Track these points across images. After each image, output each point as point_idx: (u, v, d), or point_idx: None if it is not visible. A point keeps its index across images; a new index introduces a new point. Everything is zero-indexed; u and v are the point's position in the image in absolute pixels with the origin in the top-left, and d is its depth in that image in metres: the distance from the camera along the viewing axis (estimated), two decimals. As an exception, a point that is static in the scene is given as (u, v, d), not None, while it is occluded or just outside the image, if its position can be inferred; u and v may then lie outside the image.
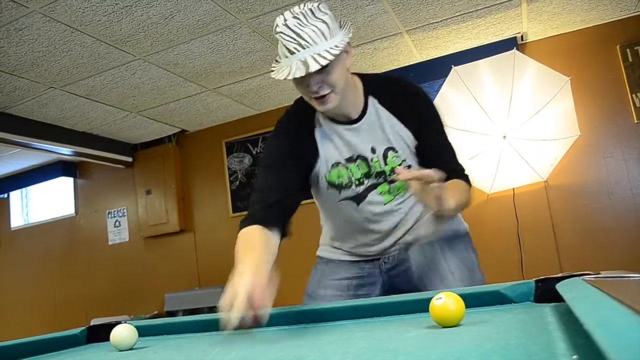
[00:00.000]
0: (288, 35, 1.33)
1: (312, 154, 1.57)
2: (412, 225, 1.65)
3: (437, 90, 3.60)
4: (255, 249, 1.28)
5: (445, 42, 3.65)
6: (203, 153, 4.90)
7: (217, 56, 3.42)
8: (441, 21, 3.33)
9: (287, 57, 1.36)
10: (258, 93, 4.17)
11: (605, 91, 3.54)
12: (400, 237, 1.65)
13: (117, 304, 4.99)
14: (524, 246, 3.62)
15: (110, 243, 5.25)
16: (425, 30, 3.43)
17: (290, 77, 1.33)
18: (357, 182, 1.58)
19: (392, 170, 1.54)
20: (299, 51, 1.33)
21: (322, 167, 1.59)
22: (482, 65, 3.42)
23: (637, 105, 3.46)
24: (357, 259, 1.71)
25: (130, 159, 5.07)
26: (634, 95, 3.46)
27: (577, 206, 3.57)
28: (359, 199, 1.60)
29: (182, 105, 4.25)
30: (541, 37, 3.74)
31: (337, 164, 1.58)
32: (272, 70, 1.43)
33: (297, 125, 1.59)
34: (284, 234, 1.47)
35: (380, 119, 1.53)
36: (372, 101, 1.54)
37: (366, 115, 1.53)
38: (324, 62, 1.31)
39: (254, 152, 4.64)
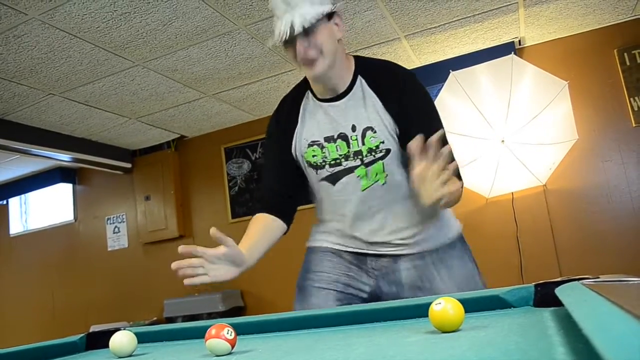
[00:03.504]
0: (278, 1, 1.45)
1: (292, 132, 1.65)
2: (400, 226, 1.60)
3: (436, 95, 3.61)
4: (249, 233, 1.55)
5: (444, 47, 3.66)
6: (202, 159, 4.90)
7: (216, 62, 3.43)
8: (439, 26, 3.34)
9: (277, 21, 1.47)
10: (257, 99, 4.17)
11: (603, 95, 3.56)
12: (386, 235, 1.60)
13: (116, 311, 4.98)
14: (523, 250, 3.62)
15: (109, 249, 5.25)
16: (423, 35, 3.45)
17: (277, 40, 1.46)
18: (332, 163, 1.59)
19: (369, 151, 1.54)
20: (287, 13, 1.44)
21: (300, 145, 1.63)
22: (480, 69, 3.43)
23: (635, 109, 3.46)
24: (343, 247, 1.66)
25: (129, 165, 5.08)
26: (632, 99, 3.47)
27: (576, 210, 3.57)
28: (333, 179, 1.61)
29: (181, 111, 4.26)
30: (539, 42, 3.75)
31: (314, 142, 1.60)
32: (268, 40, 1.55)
33: (286, 107, 1.68)
34: (289, 220, 1.66)
35: (365, 98, 1.55)
36: (361, 80, 1.57)
37: (352, 92, 1.56)
38: (309, 18, 1.41)
39: (253, 158, 4.64)
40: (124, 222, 5.21)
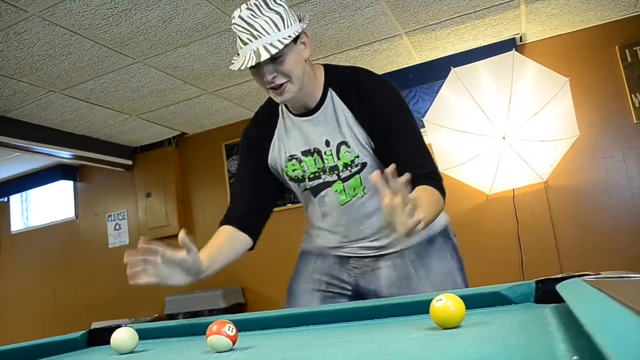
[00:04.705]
0: (241, 27, 1.36)
1: (266, 147, 1.62)
2: (381, 230, 1.58)
3: (437, 92, 3.60)
4: (211, 244, 1.51)
5: (444, 43, 3.66)
6: (203, 156, 4.90)
7: (217, 59, 3.43)
8: (440, 22, 3.34)
9: (241, 48, 1.39)
10: (257, 95, 4.17)
11: (605, 92, 3.55)
12: (369, 241, 1.60)
13: (117, 307, 4.99)
14: (524, 247, 3.62)
15: (110, 246, 5.25)
16: (424, 31, 3.44)
17: (243, 67, 1.36)
18: (310, 176, 1.58)
19: (345, 166, 1.52)
20: (251, 41, 1.36)
21: (280, 159, 1.61)
22: (481, 66, 3.42)
23: (637, 106, 3.46)
24: (329, 252, 1.68)
25: (130, 162, 5.08)
26: (633, 95, 3.47)
27: (577, 207, 3.57)
28: (314, 192, 1.60)
29: (182, 108, 4.26)
30: (540, 38, 3.74)
31: (292, 156, 1.59)
32: (232, 63, 1.45)
33: (260, 121, 1.66)
34: (255, 236, 1.62)
35: (336, 112, 1.51)
36: (331, 93, 1.52)
37: (323, 107, 1.52)
38: (274, 51, 1.33)
39: (254, 155, 4.63)
40: (124, 219, 5.21)
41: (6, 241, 5.98)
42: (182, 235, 1.28)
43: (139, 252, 1.26)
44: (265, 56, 1.33)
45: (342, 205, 1.57)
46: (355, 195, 1.55)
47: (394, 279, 1.58)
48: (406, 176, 1.09)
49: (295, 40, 1.40)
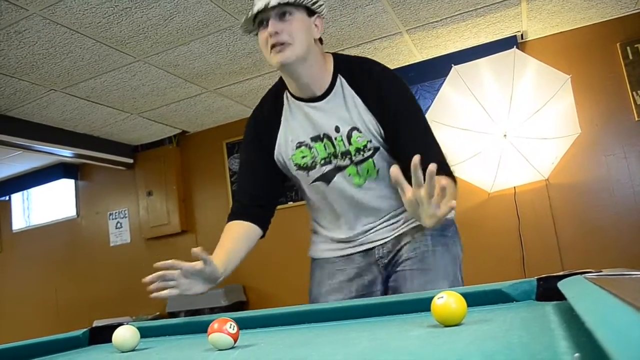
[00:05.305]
0: None
1: (273, 136, 1.61)
2: (397, 208, 1.59)
3: (438, 90, 3.60)
4: (223, 244, 1.53)
5: (445, 41, 3.65)
6: (204, 154, 4.90)
7: (217, 57, 3.43)
8: (441, 20, 3.33)
9: (255, 4, 1.42)
10: (258, 93, 4.14)
11: (606, 89, 3.54)
12: (388, 221, 1.60)
13: (119, 306, 5.00)
14: (526, 244, 3.62)
15: (111, 244, 5.26)
16: (425, 29, 3.43)
17: (255, 11, 1.40)
18: (322, 162, 1.57)
19: (357, 150, 1.52)
20: None
21: (286, 147, 1.60)
22: (483, 64, 3.42)
23: (638, 103, 3.45)
24: (351, 251, 1.65)
25: (131, 161, 5.08)
26: (634, 92, 3.46)
27: (579, 204, 3.56)
28: (327, 178, 1.58)
29: (183, 106, 4.26)
30: (541, 36, 3.74)
31: (301, 143, 1.57)
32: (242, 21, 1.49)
33: (265, 109, 1.65)
34: (265, 226, 1.64)
35: (345, 98, 1.51)
36: (340, 80, 1.53)
37: (332, 93, 1.52)
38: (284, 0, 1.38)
39: (255, 153, 4.63)
40: (126, 217, 5.22)
41: (8, 240, 5.99)
42: (195, 249, 1.31)
43: (158, 272, 1.30)
44: (274, 2, 1.37)
45: (357, 186, 1.57)
46: (369, 176, 1.56)
47: (415, 252, 1.58)
48: (433, 165, 1.06)
49: (310, 15, 1.45)
